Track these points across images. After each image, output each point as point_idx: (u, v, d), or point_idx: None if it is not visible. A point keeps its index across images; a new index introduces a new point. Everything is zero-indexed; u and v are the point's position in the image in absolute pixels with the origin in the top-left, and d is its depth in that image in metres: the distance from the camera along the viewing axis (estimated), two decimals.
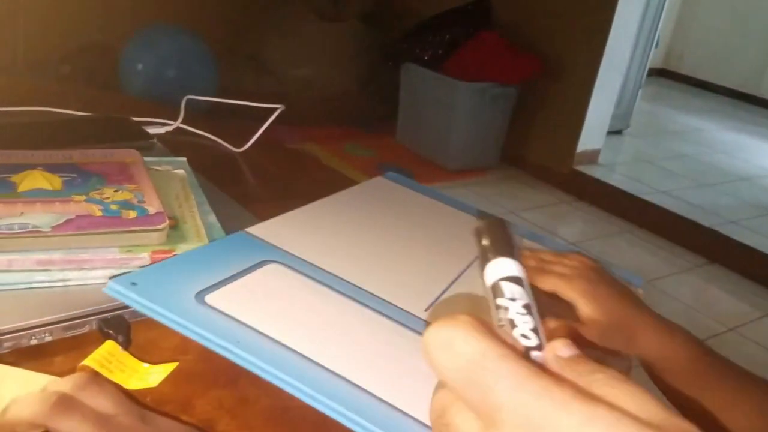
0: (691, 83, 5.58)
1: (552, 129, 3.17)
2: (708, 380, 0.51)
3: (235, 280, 0.50)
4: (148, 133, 0.82)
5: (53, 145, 0.67)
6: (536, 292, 0.57)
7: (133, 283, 0.45)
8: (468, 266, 0.64)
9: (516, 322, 0.25)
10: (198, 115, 0.96)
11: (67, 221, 0.54)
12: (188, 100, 0.93)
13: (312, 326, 0.48)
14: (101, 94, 1.04)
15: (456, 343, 0.21)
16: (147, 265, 0.55)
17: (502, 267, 0.26)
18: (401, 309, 0.53)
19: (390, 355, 0.48)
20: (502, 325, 0.25)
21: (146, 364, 0.47)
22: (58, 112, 0.88)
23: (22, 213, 0.54)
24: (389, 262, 0.62)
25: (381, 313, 0.52)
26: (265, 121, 0.91)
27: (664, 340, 0.52)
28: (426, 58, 2.95)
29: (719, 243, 2.72)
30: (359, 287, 0.54)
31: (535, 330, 0.25)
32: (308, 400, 0.40)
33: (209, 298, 0.46)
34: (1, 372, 0.42)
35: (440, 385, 0.23)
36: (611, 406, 0.20)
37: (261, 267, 0.53)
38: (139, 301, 0.44)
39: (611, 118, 3.33)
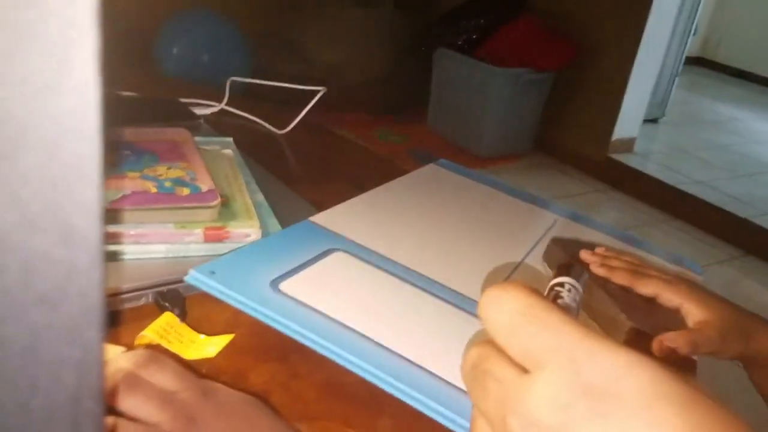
0: (728, 72, 5.45)
1: (587, 116, 3.13)
2: None
3: (305, 268, 0.53)
4: (194, 113, 0.83)
5: (105, 124, 0.68)
6: (634, 297, 0.56)
7: (212, 272, 0.48)
8: (528, 253, 0.66)
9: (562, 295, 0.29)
10: (239, 97, 0.97)
11: (124, 197, 0.55)
12: (231, 83, 0.93)
13: (378, 312, 0.50)
14: (146, 75, 1.06)
15: (505, 298, 0.23)
16: (201, 243, 0.56)
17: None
18: (464, 296, 0.55)
19: (454, 339, 0.49)
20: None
21: (203, 336, 0.48)
22: (107, 93, 0.90)
23: None
24: (449, 248, 0.63)
25: (445, 299, 0.54)
26: (305, 104, 0.91)
27: None
28: (459, 43, 2.93)
29: (755, 234, 2.67)
30: (421, 273, 0.56)
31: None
32: (381, 383, 0.43)
33: (283, 286, 0.49)
34: None
35: (476, 342, 0.25)
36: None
37: (328, 255, 0.56)
38: (218, 289, 0.47)
39: (647, 106, 3.27)
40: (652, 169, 3.16)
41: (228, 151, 0.72)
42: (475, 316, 0.51)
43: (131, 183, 0.58)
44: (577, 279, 0.35)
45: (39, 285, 0.13)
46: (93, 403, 0.14)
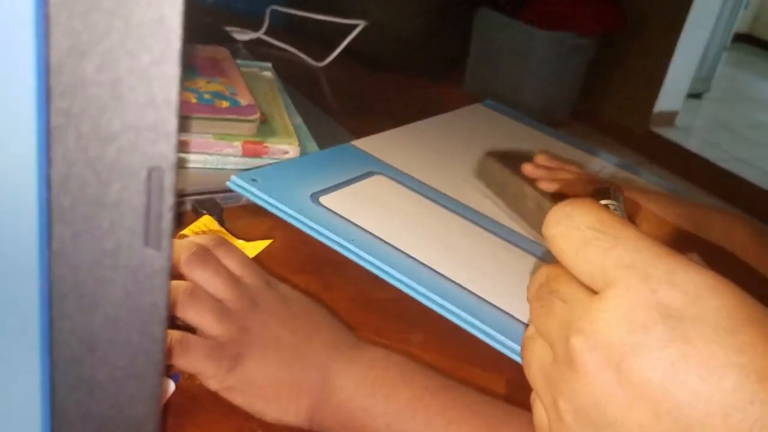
0: None
1: (629, 87, 3.04)
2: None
3: (346, 186, 0.52)
4: (234, 38, 0.82)
5: None
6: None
7: (254, 180, 0.48)
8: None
9: None
10: (278, 30, 0.96)
11: None
12: (271, 12, 0.92)
13: (417, 232, 0.49)
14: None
15: (575, 213, 0.21)
16: (239, 156, 0.56)
17: None
18: (502, 224, 0.54)
19: (491, 263, 0.48)
20: None
21: (240, 240, 0.47)
22: None
23: None
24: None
25: (484, 227, 0.53)
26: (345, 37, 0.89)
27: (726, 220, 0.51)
28: (503, 2, 2.86)
29: None
30: (461, 202, 0.55)
31: None
32: (417, 296, 0.43)
33: (323, 200, 0.49)
34: None
35: (542, 265, 0.23)
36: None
37: (368, 177, 0.55)
38: (259, 196, 0.47)
39: (691, 81, 3.17)
40: (693, 144, 3.08)
41: (267, 74, 0.71)
42: (514, 245, 0.50)
43: None
44: (617, 200, 0.34)
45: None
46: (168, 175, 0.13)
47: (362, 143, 0.61)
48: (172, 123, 0.13)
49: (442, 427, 0.31)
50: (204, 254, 0.34)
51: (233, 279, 0.35)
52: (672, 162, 2.94)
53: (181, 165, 0.54)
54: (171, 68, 0.12)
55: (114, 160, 0.12)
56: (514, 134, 0.76)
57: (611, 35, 2.89)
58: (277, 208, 0.46)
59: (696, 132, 3.31)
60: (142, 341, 0.14)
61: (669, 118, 3.14)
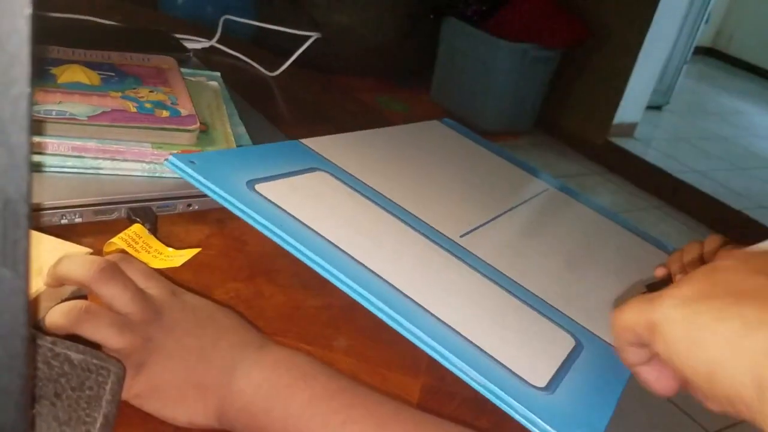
0: (738, 65, 5.41)
1: (590, 98, 3.11)
2: None
3: (285, 178, 0.53)
4: (184, 46, 0.83)
5: (92, 49, 0.68)
6: None
7: (192, 162, 0.48)
8: (510, 209, 0.66)
9: None
10: (234, 38, 0.97)
11: (103, 113, 0.55)
12: (225, 22, 0.93)
13: (350, 227, 0.50)
14: (141, 9, 1.05)
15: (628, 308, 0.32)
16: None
17: None
18: (437, 231, 0.55)
19: (424, 264, 0.50)
20: None
21: (170, 249, 0.48)
22: (99, 22, 0.89)
23: (60, 101, 0.55)
24: (433, 192, 0.64)
25: (418, 231, 0.54)
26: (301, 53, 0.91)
27: None
28: (469, 13, 2.90)
29: (748, 227, 2.68)
30: (400, 206, 0.57)
31: None
32: (340, 284, 0.43)
33: (260, 187, 0.49)
34: (43, 240, 0.44)
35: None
36: None
37: (310, 172, 0.56)
38: (195, 177, 0.47)
39: (652, 93, 3.26)
40: (651, 155, 3.16)
41: (214, 83, 0.73)
42: (445, 250, 0.52)
43: (112, 101, 0.58)
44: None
45: None
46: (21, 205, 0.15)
47: (311, 142, 0.62)
48: (24, 160, 0.14)
49: (338, 426, 0.33)
50: (111, 269, 0.35)
51: (138, 291, 0.36)
52: (630, 172, 3.01)
53: (118, 173, 0.55)
54: (21, 111, 0.14)
55: None
56: (462, 151, 0.78)
57: (574, 47, 2.96)
58: (211, 190, 0.47)
59: (655, 143, 3.39)
60: (3, 356, 0.15)
61: (628, 129, 3.21)
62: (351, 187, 0.56)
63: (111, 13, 0.94)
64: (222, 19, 0.92)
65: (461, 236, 0.56)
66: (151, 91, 0.62)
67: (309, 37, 0.91)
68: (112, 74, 0.63)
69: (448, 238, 0.55)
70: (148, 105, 0.59)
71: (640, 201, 2.89)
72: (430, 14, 3.05)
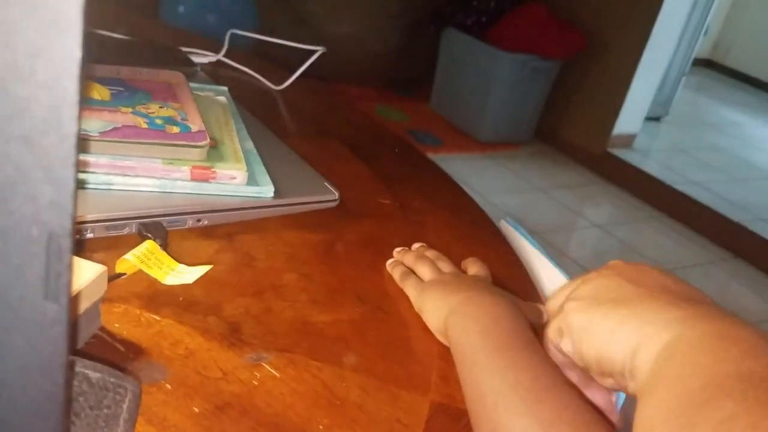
0: (736, 77, 5.45)
1: (589, 109, 3.13)
2: None
3: None
4: (192, 60, 0.84)
5: (102, 63, 0.69)
6: None
7: None
8: None
9: None
10: (239, 52, 0.98)
11: (114, 129, 0.56)
12: (231, 36, 0.94)
13: None
14: (148, 22, 1.06)
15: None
16: (187, 181, 0.57)
17: None
18: None
19: None
20: None
21: (182, 265, 0.49)
22: (107, 35, 0.90)
23: None
24: None
25: None
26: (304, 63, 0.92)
27: None
28: (469, 23, 2.92)
29: (745, 238, 2.69)
30: None
31: None
32: None
33: None
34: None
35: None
36: None
37: None
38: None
39: (651, 104, 3.28)
40: (649, 166, 3.17)
41: (222, 98, 0.73)
42: None
43: (122, 117, 0.59)
44: None
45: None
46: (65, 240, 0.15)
47: None
48: (69, 197, 0.15)
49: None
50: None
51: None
52: (628, 183, 3.03)
53: (129, 188, 0.56)
54: (68, 150, 0.14)
55: (15, 228, 0.14)
56: None
57: (573, 58, 2.98)
58: None
59: (653, 154, 3.41)
60: (44, 383, 0.16)
61: (627, 140, 3.23)
62: None
63: (116, 25, 0.95)
64: (228, 33, 0.92)
65: None
66: (161, 107, 0.62)
67: (314, 51, 0.92)
68: (122, 89, 0.64)
69: None
70: (158, 121, 0.59)
71: (638, 212, 2.90)
72: (430, 24, 3.07)
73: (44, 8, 0.14)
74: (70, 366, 0.28)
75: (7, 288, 0.15)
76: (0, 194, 0.14)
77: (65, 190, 0.14)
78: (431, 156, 0.90)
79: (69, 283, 0.15)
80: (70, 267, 0.15)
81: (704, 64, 5.51)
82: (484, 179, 2.83)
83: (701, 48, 4.03)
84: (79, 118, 0.15)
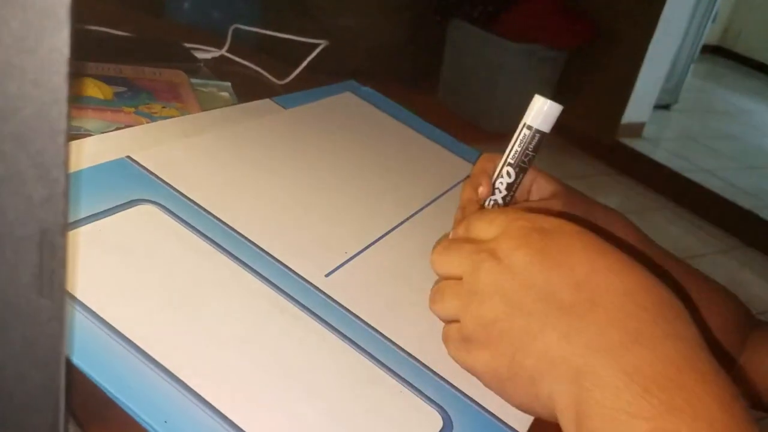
0: (746, 64, 5.39)
1: (598, 98, 3.11)
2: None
3: (91, 222, 0.38)
4: (195, 56, 0.84)
5: (104, 61, 0.69)
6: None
7: None
8: (408, 219, 0.53)
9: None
10: (242, 46, 0.98)
11: (117, 129, 0.56)
12: (234, 31, 0.94)
13: (167, 298, 0.35)
14: (149, 18, 1.06)
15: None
16: None
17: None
18: (296, 274, 0.41)
19: (253, 341, 0.35)
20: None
21: None
22: (108, 32, 0.90)
23: (73, 117, 0.56)
24: (307, 211, 0.48)
25: (267, 279, 0.39)
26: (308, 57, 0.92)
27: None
28: (475, 15, 2.91)
29: (757, 226, 2.67)
30: (254, 242, 0.42)
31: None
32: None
33: None
34: None
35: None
36: None
37: (131, 207, 0.40)
38: None
39: (660, 92, 3.25)
40: (659, 155, 3.15)
41: (225, 94, 0.73)
42: (302, 304, 0.39)
43: (126, 117, 0.59)
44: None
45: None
46: (58, 237, 0.15)
47: (145, 157, 0.45)
48: (62, 194, 0.15)
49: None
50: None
51: None
52: (638, 172, 3.01)
53: None
54: (59, 147, 0.15)
55: (7, 226, 0.15)
56: (365, 135, 0.65)
57: (581, 47, 2.96)
58: None
59: (663, 143, 3.39)
60: (40, 379, 0.16)
61: (637, 129, 3.21)
62: (186, 223, 0.41)
63: (120, 22, 0.95)
64: (231, 28, 0.92)
65: (327, 275, 0.42)
66: (164, 107, 0.62)
67: (317, 45, 0.92)
68: (125, 88, 0.64)
69: (308, 282, 0.41)
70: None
71: (648, 201, 2.88)
72: (437, 16, 3.06)
73: (32, 6, 0.14)
74: (68, 363, 0.28)
75: (2, 286, 0.15)
76: None
77: (58, 187, 0.15)
78: None
79: (64, 280, 0.15)
80: (64, 264, 0.15)
81: (713, 50, 5.47)
82: None
83: (710, 35, 4.00)
84: (69, 115, 0.15)
